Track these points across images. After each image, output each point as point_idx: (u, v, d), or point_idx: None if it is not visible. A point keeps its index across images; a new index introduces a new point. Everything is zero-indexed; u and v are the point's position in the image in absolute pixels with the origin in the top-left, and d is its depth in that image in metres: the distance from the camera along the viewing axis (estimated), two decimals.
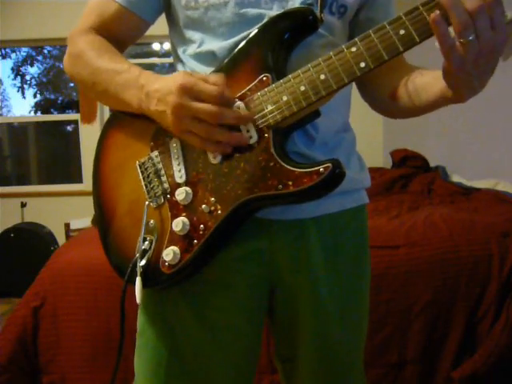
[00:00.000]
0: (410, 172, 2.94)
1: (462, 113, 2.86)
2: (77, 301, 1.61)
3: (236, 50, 0.72)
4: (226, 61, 0.72)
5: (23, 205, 3.94)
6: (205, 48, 0.77)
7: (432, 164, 3.08)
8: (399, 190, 2.82)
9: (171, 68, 4.30)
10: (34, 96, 5.17)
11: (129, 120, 0.78)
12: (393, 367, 1.58)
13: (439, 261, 1.60)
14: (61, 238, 3.61)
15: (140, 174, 0.76)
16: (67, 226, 3.51)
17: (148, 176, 0.75)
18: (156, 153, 0.75)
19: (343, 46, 0.64)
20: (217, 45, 0.76)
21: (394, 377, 1.58)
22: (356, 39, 0.64)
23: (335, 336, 0.82)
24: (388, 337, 1.58)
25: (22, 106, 5.31)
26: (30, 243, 3.46)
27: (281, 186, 0.66)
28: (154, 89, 0.69)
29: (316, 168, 0.64)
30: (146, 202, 0.74)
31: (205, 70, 0.76)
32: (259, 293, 0.80)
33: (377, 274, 1.58)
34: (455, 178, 2.78)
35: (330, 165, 0.64)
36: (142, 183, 0.75)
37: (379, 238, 1.68)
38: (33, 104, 5.20)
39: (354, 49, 0.64)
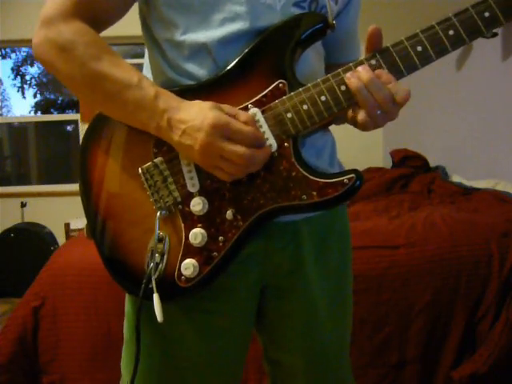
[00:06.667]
0: (409, 172, 2.94)
1: (462, 113, 2.86)
2: (77, 301, 1.61)
3: (246, 50, 0.69)
4: (234, 62, 0.69)
5: (23, 205, 3.95)
6: (192, 38, 0.71)
7: (432, 164, 3.08)
8: (399, 189, 2.81)
9: None
10: (34, 96, 5.18)
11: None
12: (393, 367, 1.58)
13: (439, 261, 1.60)
14: (61, 238, 3.62)
15: (145, 182, 0.71)
16: (67, 225, 3.51)
17: (155, 184, 0.70)
18: (161, 159, 0.70)
19: (362, 58, 0.67)
20: (207, 35, 0.70)
21: (394, 377, 1.58)
22: (376, 53, 0.66)
23: (325, 334, 0.83)
24: (388, 337, 1.57)
25: (22, 106, 5.32)
26: (30, 243, 3.46)
27: (305, 196, 0.67)
28: (179, 119, 0.64)
29: (341, 179, 0.66)
30: (158, 213, 0.70)
31: (196, 70, 0.72)
32: (254, 294, 0.80)
33: (377, 274, 1.58)
34: (455, 178, 2.78)
35: (353, 176, 0.66)
36: (149, 192, 0.71)
37: (379, 238, 1.68)
38: (33, 104, 5.21)
39: (373, 61, 0.66)
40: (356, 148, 3.67)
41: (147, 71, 0.80)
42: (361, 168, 3.42)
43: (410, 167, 3.02)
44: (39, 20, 0.70)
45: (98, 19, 0.72)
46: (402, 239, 1.67)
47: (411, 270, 1.59)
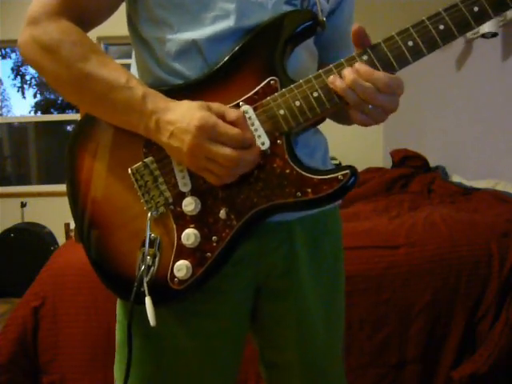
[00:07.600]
0: (409, 172, 2.94)
1: (463, 113, 2.86)
2: (77, 301, 1.61)
3: (236, 48, 0.69)
4: (224, 60, 0.69)
5: (23, 205, 3.95)
6: (182, 37, 0.70)
7: (432, 164, 3.08)
8: (399, 189, 2.81)
9: None
10: (34, 96, 5.18)
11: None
12: (393, 367, 1.58)
13: (439, 261, 1.60)
14: (61, 238, 3.61)
15: (135, 183, 0.69)
16: (67, 225, 3.51)
17: (145, 185, 0.69)
18: (151, 159, 0.69)
19: (354, 54, 0.66)
20: (198, 33, 0.69)
21: (394, 377, 1.58)
22: (367, 49, 0.65)
23: (319, 334, 0.83)
24: (388, 337, 1.57)
25: (22, 106, 5.32)
26: (30, 243, 3.46)
27: (299, 193, 0.65)
28: (167, 120, 0.63)
29: (335, 175, 0.65)
30: (149, 214, 0.68)
31: (185, 69, 0.71)
32: (248, 296, 0.79)
33: (377, 274, 1.58)
34: (455, 178, 2.78)
35: (348, 172, 0.64)
36: (139, 192, 0.69)
37: (379, 238, 1.68)
38: (33, 104, 5.22)
39: (365, 57, 0.65)
40: (356, 148, 3.67)
41: (135, 71, 0.79)
42: (361, 168, 3.42)
43: (409, 167, 3.02)
44: (25, 19, 0.69)
45: (84, 18, 0.71)
46: (402, 239, 1.67)
47: (411, 270, 1.59)
